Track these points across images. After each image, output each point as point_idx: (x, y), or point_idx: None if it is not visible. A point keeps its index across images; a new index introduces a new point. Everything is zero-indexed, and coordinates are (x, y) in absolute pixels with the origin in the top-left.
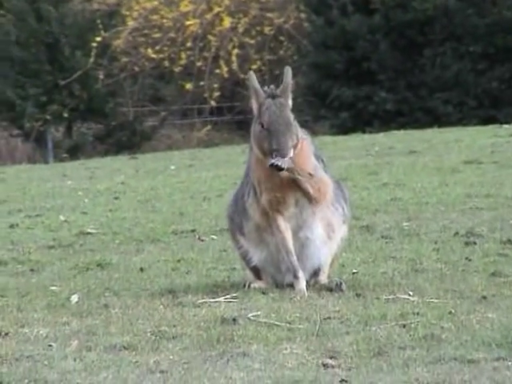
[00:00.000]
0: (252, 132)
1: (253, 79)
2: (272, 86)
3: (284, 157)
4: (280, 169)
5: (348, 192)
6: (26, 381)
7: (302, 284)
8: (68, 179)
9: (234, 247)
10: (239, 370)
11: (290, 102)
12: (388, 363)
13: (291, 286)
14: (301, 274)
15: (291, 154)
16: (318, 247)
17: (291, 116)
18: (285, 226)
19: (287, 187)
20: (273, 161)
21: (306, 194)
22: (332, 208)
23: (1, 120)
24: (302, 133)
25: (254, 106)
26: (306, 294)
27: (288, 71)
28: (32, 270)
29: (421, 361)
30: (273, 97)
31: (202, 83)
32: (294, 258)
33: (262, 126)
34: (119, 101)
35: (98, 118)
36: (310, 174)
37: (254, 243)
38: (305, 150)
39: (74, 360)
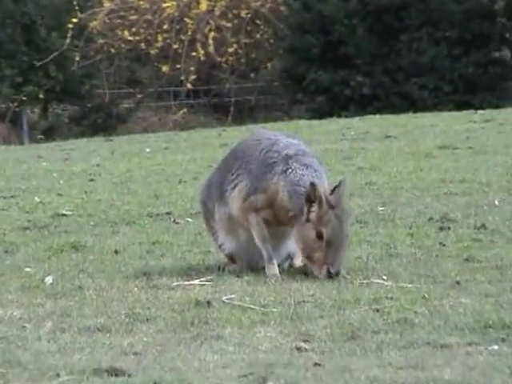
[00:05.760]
0: (302, 232)
1: (319, 189)
2: (332, 197)
3: (337, 273)
4: None
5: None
6: (0, 362)
7: (275, 269)
8: (43, 161)
9: (208, 232)
10: (213, 352)
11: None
12: (361, 347)
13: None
14: (274, 261)
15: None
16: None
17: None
18: (262, 222)
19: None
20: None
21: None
22: None
23: None
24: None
25: (316, 212)
26: (280, 279)
27: (344, 183)
28: (6, 252)
29: (394, 345)
30: (333, 208)
31: (178, 66)
32: (269, 245)
33: (321, 236)
34: (95, 83)
35: (74, 100)
36: None
37: (224, 231)
38: None
39: (48, 341)
